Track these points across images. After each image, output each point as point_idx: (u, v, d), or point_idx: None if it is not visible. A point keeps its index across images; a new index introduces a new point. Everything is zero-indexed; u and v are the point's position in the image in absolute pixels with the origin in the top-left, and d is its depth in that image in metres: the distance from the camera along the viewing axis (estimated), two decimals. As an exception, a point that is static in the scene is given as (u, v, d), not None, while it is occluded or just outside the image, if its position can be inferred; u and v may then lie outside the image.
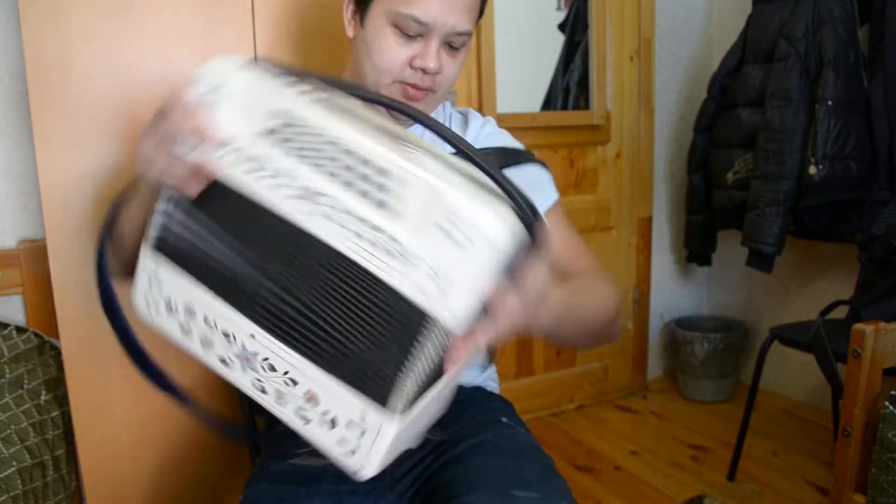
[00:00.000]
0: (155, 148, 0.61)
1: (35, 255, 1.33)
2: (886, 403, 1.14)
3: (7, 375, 1.18)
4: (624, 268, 2.46)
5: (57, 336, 1.15)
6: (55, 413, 1.20)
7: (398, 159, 0.53)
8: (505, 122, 2.05)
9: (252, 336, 0.60)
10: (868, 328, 1.16)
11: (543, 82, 2.36)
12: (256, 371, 0.61)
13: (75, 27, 1.08)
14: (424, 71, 0.82)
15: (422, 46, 0.82)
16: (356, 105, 0.62)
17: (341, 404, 0.57)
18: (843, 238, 1.94)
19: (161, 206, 0.65)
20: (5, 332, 1.25)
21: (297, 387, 0.59)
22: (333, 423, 0.58)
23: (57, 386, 1.24)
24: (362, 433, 0.57)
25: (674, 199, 2.57)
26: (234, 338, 0.62)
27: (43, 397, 1.20)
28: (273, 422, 1.07)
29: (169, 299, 0.65)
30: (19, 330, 1.27)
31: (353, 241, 0.55)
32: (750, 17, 2.09)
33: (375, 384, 0.55)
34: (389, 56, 0.82)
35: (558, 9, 2.34)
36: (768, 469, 1.96)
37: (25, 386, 1.18)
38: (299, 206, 0.57)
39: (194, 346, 0.65)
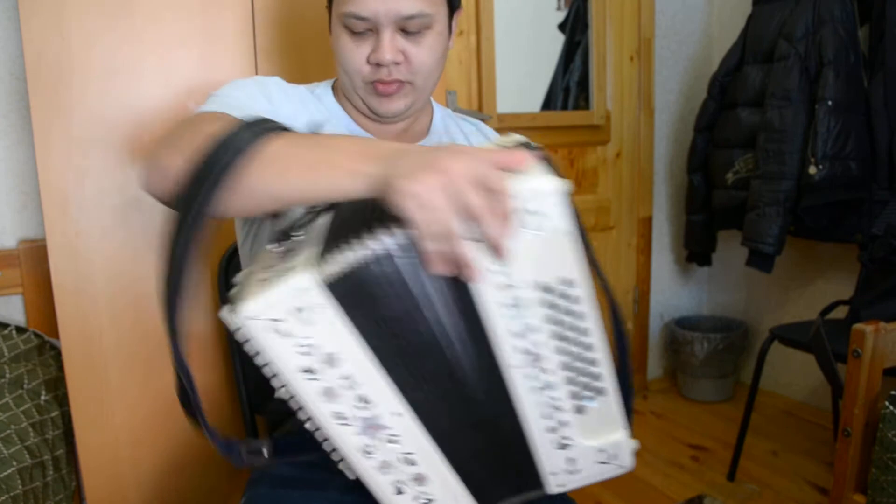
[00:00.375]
0: (441, 198, 0.49)
1: (35, 255, 1.33)
2: (886, 403, 1.14)
3: (7, 375, 1.18)
4: (624, 268, 2.46)
5: (57, 336, 1.15)
6: (55, 413, 1.20)
7: (615, 394, 0.63)
8: (505, 122, 2.06)
9: (398, 415, 0.58)
10: (868, 328, 1.16)
11: (543, 82, 2.36)
12: (374, 439, 0.59)
13: (75, 28, 1.08)
14: (381, 64, 0.80)
15: (375, 40, 0.80)
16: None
17: (450, 496, 0.64)
18: (843, 238, 1.93)
19: (387, 243, 0.52)
20: (5, 332, 1.25)
21: (411, 466, 0.61)
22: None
23: (57, 386, 1.24)
24: None
25: (674, 199, 2.57)
26: (373, 407, 0.57)
27: (43, 397, 1.20)
28: (274, 427, 1.07)
29: (310, 342, 0.54)
30: (19, 330, 1.26)
31: (539, 417, 0.62)
32: (750, 17, 2.09)
33: (485, 496, 0.66)
34: (348, 58, 0.82)
35: (558, 9, 2.34)
36: (768, 469, 1.96)
37: (25, 386, 1.18)
38: (525, 367, 0.59)
39: (306, 387, 0.56)
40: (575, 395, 0.61)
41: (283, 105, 0.85)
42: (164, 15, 1.13)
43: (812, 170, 1.79)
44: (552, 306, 0.56)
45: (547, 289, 0.55)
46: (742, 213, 2.03)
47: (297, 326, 0.53)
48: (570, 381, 0.60)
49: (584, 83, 2.30)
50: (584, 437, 0.64)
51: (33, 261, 1.33)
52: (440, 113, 0.99)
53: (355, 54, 0.81)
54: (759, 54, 2.01)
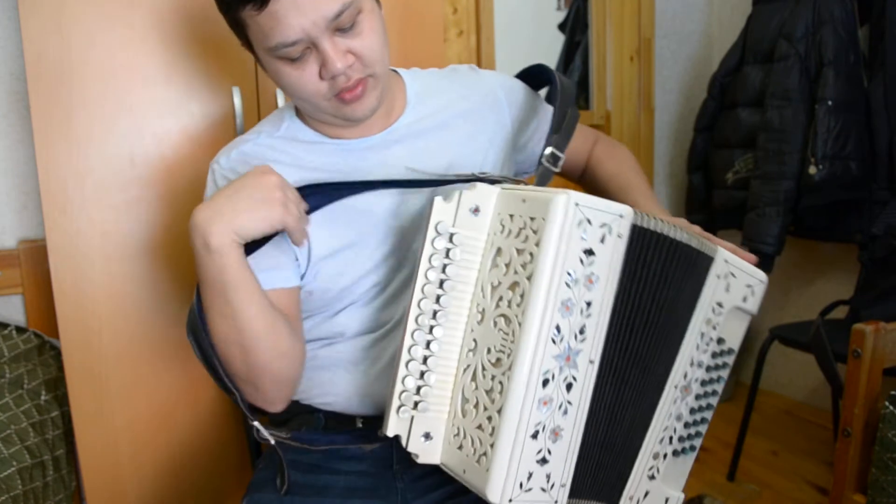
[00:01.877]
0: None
1: (35, 255, 1.33)
2: (886, 403, 1.14)
3: (7, 375, 1.18)
4: (624, 268, 2.46)
5: (57, 336, 1.15)
6: (55, 413, 1.20)
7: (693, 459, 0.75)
8: (505, 122, 2.05)
9: (591, 363, 0.64)
10: (868, 328, 1.16)
11: (543, 82, 2.36)
12: (560, 371, 0.63)
13: (75, 28, 1.08)
14: (336, 76, 0.76)
15: (317, 56, 0.75)
16: None
17: (562, 465, 0.65)
18: (843, 238, 1.94)
19: (684, 238, 0.70)
20: (5, 332, 1.25)
21: (562, 416, 0.64)
22: (544, 461, 0.64)
23: (57, 386, 1.24)
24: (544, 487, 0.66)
25: (674, 199, 2.57)
26: (582, 343, 0.64)
27: (43, 397, 1.20)
28: (277, 424, 1.07)
29: (591, 255, 0.63)
30: (19, 330, 1.26)
31: (657, 440, 0.69)
32: (750, 17, 2.09)
33: (579, 484, 0.67)
34: (299, 85, 0.77)
35: (558, 9, 2.34)
36: (768, 469, 1.96)
37: (25, 386, 1.18)
38: (679, 391, 0.71)
39: (553, 288, 0.61)
40: (682, 439, 0.70)
41: None
42: (164, 15, 1.13)
43: (812, 170, 1.79)
44: (717, 360, 0.70)
45: (722, 345, 0.71)
46: (742, 213, 2.03)
47: (593, 236, 0.62)
48: (687, 424, 0.70)
49: (584, 83, 2.30)
50: (663, 478, 0.70)
51: (33, 261, 1.33)
52: (410, 77, 0.94)
53: (304, 80, 0.76)
54: (759, 54, 2.01)
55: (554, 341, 0.61)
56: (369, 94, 0.80)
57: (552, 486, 0.63)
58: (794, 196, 1.86)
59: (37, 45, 1.06)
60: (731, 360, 0.72)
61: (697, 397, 0.70)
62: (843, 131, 1.77)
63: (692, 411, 0.71)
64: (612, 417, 0.68)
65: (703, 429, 0.72)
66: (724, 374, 0.72)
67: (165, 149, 1.16)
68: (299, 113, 0.89)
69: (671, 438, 0.70)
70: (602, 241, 0.62)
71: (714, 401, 0.72)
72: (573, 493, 0.66)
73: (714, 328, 0.69)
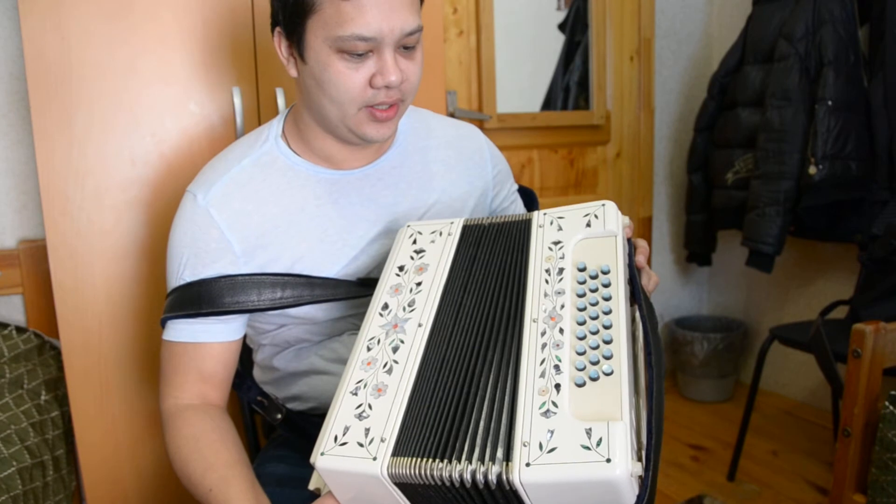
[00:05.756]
0: None
1: (35, 255, 1.33)
2: (886, 403, 1.14)
3: (7, 375, 1.18)
4: (624, 268, 2.46)
5: (57, 336, 1.15)
6: (55, 413, 1.20)
7: (625, 385, 0.63)
8: (505, 122, 2.06)
9: (419, 326, 0.73)
10: (868, 328, 1.16)
11: (543, 82, 2.36)
12: (386, 336, 0.72)
13: (75, 27, 1.08)
14: (387, 87, 0.76)
15: (376, 62, 0.75)
16: None
17: (384, 420, 0.65)
18: (843, 238, 1.94)
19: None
20: (5, 332, 1.25)
21: (386, 375, 0.69)
22: (362, 416, 0.67)
23: (57, 386, 1.24)
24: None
25: (674, 199, 2.57)
26: (410, 313, 0.74)
27: (43, 397, 1.20)
28: (271, 426, 1.07)
29: (423, 253, 0.81)
30: (19, 330, 1.27)
31: (537, 375, 0.65)
32: (750, 17, 2.09)
33: (412, 438, 0.64)
34: (345, 85, 0.75)
35: (558, 9, 2.34)
36: (768, 469, 1.96)
37: (25, 386, 1.18)
38: (543, 324, 0.70)
39: (388, 279, 0.79)
40: (579, 368, 0.64)
41: (230, 228, 0.82)
42: (163, 14, 1.13)
43: (812, 170, 1.79)
44: (589, 284, 0.72)
45: (586, 271, 0.73)
46: (742, 213, 2.03)
47: (424, 241, 0.81)
48: (580, 353, 0.66)
49: (584, 83, 2.30)
50: (572, 411, 0.61)
51: (33, 261, 1.33)
52: (404, 117, 0.94)
53: (354, 80, 0.75)
54: (759, 54, 2.01)
55: (381, 315, 0.74)
56: (394, 121, 0.81)
57: (371, 440, 0.63)
58: (794, 196, 1.87)
59: (36, 45, 1.06)
60: (611, 278, 0.72)
61: (580, 323, 0.68)
62: (843, 131, 1.77)
63: (581, 337, 0.67)
64: (458, 369, 0.66)
65: (609, 351, 0.65)
66: (611, 291, 0.70)
67: (165, 149, 1.16)
68: (284, 134, 0.87)
69: (558, 367, 0.64)
70: (432, 241, 0.81)
71: (612, 321, 0.68)
72: (399, 451, 0.62)
73: (561, 258, 0.75)
